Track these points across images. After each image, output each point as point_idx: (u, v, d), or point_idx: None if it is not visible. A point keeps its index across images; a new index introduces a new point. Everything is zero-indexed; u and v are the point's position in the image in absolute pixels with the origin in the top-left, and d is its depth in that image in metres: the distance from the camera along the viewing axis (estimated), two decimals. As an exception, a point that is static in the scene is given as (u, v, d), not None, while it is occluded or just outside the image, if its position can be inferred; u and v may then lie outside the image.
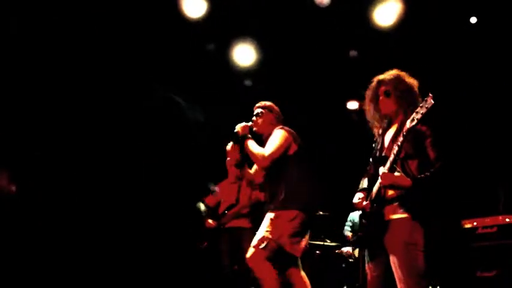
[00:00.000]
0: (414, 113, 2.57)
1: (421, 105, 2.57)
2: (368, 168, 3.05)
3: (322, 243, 5.44)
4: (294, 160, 3.45)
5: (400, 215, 2.66)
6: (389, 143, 2.85)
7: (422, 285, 2.56)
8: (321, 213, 5.43)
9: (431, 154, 2.66)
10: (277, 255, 3.30)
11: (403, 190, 2.65)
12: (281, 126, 3.54)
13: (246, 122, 3.64)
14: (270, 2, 4.80)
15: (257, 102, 3.75)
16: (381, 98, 2.94)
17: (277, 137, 3.42)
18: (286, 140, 3.42)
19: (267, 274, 3.26)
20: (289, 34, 5.12)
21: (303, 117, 5.99)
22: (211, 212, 5.36)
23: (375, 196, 2.78)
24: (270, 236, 3.30)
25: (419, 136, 2.71)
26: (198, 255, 5.47)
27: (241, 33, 5.35)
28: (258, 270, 3.29)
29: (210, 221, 5.27)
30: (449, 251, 4.38)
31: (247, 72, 5.61)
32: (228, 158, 3.78)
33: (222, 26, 5.05)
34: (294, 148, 3.46)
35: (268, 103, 3.73)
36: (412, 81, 2.92)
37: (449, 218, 4.58)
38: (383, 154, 2.82)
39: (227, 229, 5.11)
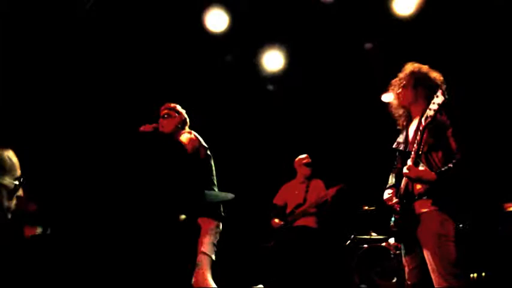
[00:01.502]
0: (428, 110, 2.62)
1: (433, 101, 2.61)
2: (395, 163, 3.09)
3: (368, 236, 5.45)
4: (204, 164, 3.47)
5: (429, 209, 2.70)
6: (412, 137, 2.89)
7: (457, 274, 2.58)
8: (367, 208, 5.46)
9: (453, 144, 2.69)
10: None
11: (429, 184, 2.68)
12: (189, 131, 3.57)
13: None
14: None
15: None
16: (399, 90, 2.99)
17: (183, 140, 3.40)
18: (192, 143, 3.41)
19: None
20: (309, 29, 5.13)
21: (339, 115, 6.05)
22: (278, 211, 5.41)
23: (404, 191, 2.83)
24: None
25: (440, 127, 2.74)
26: (264, 254, 5.53)
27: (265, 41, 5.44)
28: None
29: (276, 220, 5.31)
30: (492, 238, 4.30)
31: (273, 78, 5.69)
32: None
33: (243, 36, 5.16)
34: (202, 153, 3.48)
35: (174, 105, 3.73)
36: (430, 73, 2.94)
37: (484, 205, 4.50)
38: (407, 149, 2.87)
39: (293, 228, 5.17)
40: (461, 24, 4.61)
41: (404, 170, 2.73)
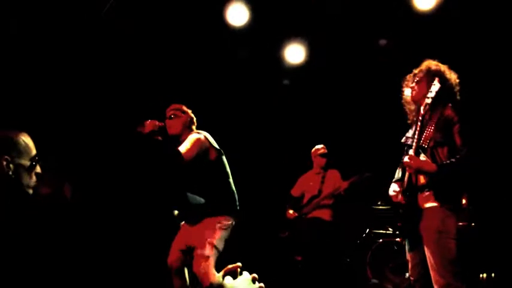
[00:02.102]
0: (426, 99, 2.65)
1: (430, 89, 2.64)
2: (403, 157, 3.10)
3: (384, 231, 5.45)
4: (215, 165, 3.43)
5: (431, 204, 2.72)
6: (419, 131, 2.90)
7: (454, 272, 2.58)
8: (381, 203, 5.46)
9: (459, 141, 2.69)
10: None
11: (430, 175, 2.69)
12: (198, 131, 3.50)
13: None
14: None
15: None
16: (413, 84, 3.01)
17: (190, 140, 3.32)
18: (199, 143, 3.33)
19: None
20: (329, 22, 5.13)
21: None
22: (294, 202, 5.43)
23: (407, 185, 2.84)
24: None
25: (448, 123, 2.75)
26: (278, 244, 5.60)
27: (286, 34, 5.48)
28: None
29: (291, 211, 5.30)
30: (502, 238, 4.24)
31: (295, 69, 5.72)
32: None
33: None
34: (213, 154, 3.43)
35: (179, 105, 3.67)
36: (447, 73, 2.93)
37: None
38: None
39: (308, 220, 5.18)
40: (482, 20, 4.53)
41: (406, 159, 2.76)
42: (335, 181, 5.19)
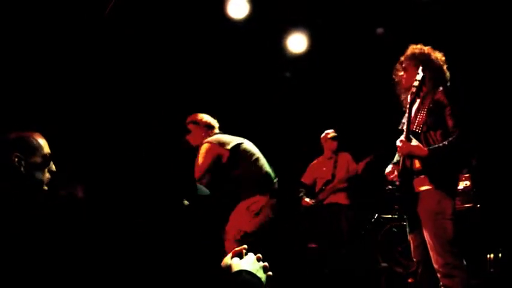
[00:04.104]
0: (412, 87, 2.70)
1: (415, 78, 2.69)
2: None
3: (392, 216, 5.48)
4: (231, 164, 3.61)
5: (426, 187, 2.76)
6: (413, 117, 2.93)
7: (453, 252, 2.63)
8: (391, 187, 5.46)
9: (450, 123, 2.73)
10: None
11: (422, 159, 2.74)
12: (208, 140, 3.69)
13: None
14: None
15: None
16: (401, 73, 3.04)
17: (202, 151, 3.62)
18: (210, 151, 3.60)
19: None
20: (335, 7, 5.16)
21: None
22: (308, 190, 5.44)
23: (401, 168, 2.89)
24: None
25: (439, 107, 2.78)
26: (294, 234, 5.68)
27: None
28: None
29: (307, 199, 5.29)
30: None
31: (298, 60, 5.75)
32: None
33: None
34: (226, 155, 3.60)
35: (193, 117, 3.88)
36: (432, 54, 2.95)
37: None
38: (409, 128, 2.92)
39: (325, 206, 5.20)
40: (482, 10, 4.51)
41: (397, 143, 2.81)
42: (348, 164, 5.21)
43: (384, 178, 5.42)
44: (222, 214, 3.76)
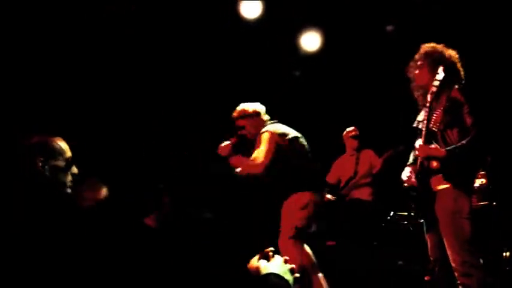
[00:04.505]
0: (432, 87, 2.69)
1: (435, 78, 2.69)
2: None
3: (408, 213, 5.46)
4: (287, 156, 3.51)
5: (444, 186, 2.79)
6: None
7: (470, 250, 2.66)
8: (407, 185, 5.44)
9: (468, 122, 2.74)
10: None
11: (440, 160, 2.76)
12: (265, 129, 3.56)
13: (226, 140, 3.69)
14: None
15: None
16: (416, 71, 3.04)
17: (263, 143, 3.46)
18: (272, 141, 3.46)
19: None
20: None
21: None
22: (332, 189, 5.44)
23: (419, 169, 2.92)
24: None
25: (456, 105, 2.79)
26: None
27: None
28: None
29: (329, 196, 5.26)
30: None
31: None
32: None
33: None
34: (284, 146, 3.51)
35: (241, 111, 3.73)
36: (445, 51, 2.96)
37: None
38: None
39: (347, 202, 5.24)
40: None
41: (416, 146, 2.84)
42: (370, 160, 5.23)
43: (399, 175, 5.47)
44: (271, 208, 3.79)
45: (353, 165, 5.28)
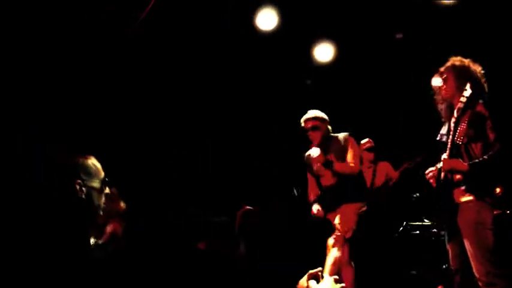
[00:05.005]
0: (459, 103, 2.76)
1: (463, 94, 2.75)
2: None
3: (420, 223, 5.51)
4: None
5: (467, 198, 2.85)
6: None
7: (492, 261, 2.71)
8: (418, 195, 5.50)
9: (491, 136, 2.81)
10: None
11: (463, 174, 2.82)
12: (348, 134, 4.05)
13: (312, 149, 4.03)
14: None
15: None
16: (441, 84, 3.11)
17: (354, 147, 4.03)
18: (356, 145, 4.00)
19: None
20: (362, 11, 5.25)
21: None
22: None
23: (443, 180, 2.96)
24: None
25: (479, 119, 2.86)
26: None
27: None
28: None
29: None
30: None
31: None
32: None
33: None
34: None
35: (318, 116, 4.09)
36: (471, 66, 3.02)
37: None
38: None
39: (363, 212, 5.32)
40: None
41: (442, 159, 2.89)
42: (387, 172, 5.25)
43: (411, 186, 5.50)
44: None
45: (370, 177, 5.27)
